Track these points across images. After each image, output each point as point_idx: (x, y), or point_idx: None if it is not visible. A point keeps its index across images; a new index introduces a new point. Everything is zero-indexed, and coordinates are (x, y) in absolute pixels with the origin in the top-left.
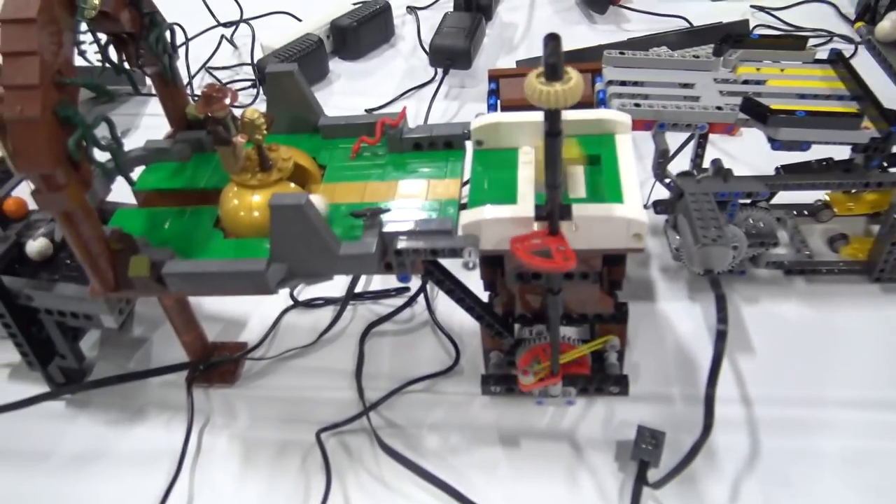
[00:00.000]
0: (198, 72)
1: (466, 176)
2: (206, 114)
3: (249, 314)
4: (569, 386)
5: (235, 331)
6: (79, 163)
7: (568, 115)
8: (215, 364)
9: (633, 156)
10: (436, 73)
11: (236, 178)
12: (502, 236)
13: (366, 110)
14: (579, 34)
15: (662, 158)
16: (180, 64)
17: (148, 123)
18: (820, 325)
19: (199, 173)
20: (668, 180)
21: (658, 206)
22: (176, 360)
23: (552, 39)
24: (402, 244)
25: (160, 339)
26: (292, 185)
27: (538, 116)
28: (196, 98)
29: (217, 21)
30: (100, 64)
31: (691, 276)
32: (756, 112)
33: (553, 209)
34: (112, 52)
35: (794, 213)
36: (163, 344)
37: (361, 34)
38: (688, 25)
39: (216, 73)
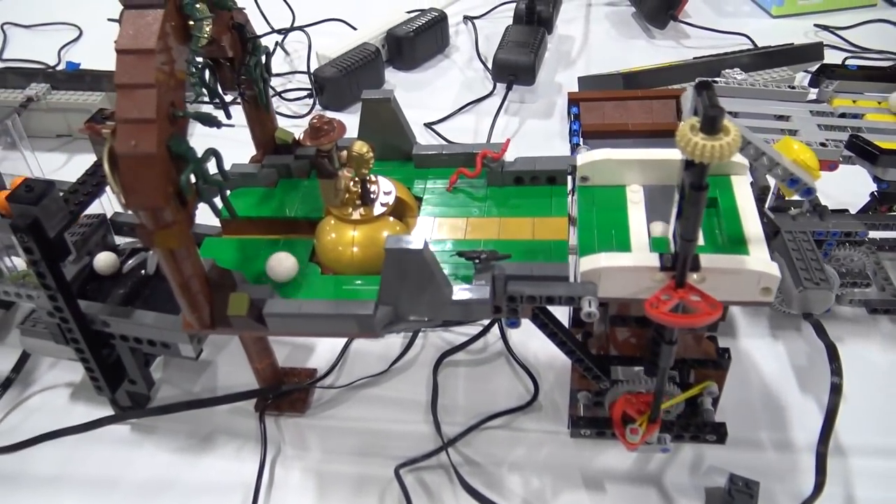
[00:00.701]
0: None
1: None
2: (313, 146)
3: (317, 338)
4: (664, 432)
5: (303, 356)
6: (187, 199)
7: (678, 153)
8: (286, 392)
9: (753, 200)
10: (494, 88)
11: (336, 212)
12: (622, 285)
13: (425, 124)
14: (637, 49)
15: (762, 195)
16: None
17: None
18: None
19: (286, 201)
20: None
21: None
22: (243, 384)
23: (706, 88)
24: (515, 290)
25: (225, 361)
26: (393, 220)
27: (647, 154)
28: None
29: (271, 27)
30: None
31: (772, 311)
32: (864, 150)
33: (685, 262)
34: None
35: (877, 247)
36: (228, 366)
37: (417, 44)
38: (749, 43)
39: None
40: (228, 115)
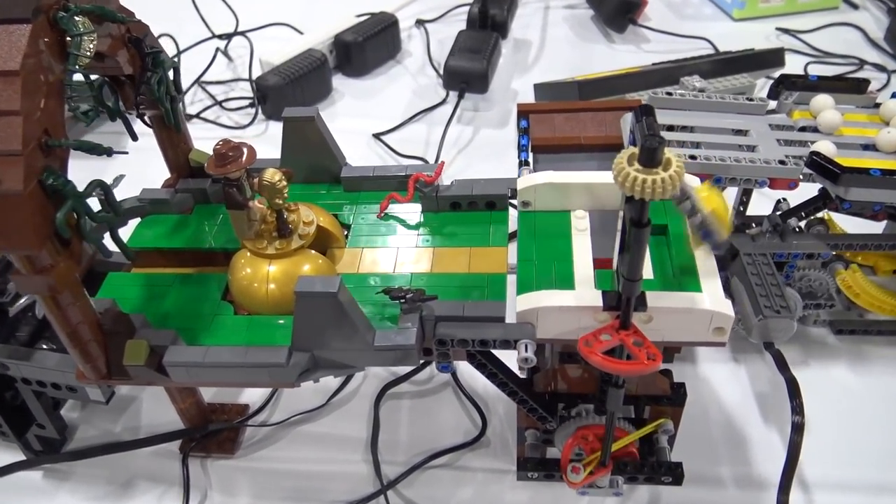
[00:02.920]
0: (190, 86)
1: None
2: (218, 175)
3: None
4: (616, 475)
5: (234, 390)
6: (68, 239)
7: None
8: (213, 432)
9: None
10: (447, 96)
11: (250, 245)
12: (563, 325)
13: (374, 135)
14: (597, 54)
15: None
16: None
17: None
18: (875, 392)
19: (203, 229)
20: None
21: None
22: (168, 423)
23: (646, 114)
24: (445, 332)
25: (150, 396)
26: (313, 252)
27: (594, 177)
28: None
29: (212, 32)
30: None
31: (734, 334)
32: (825, 169)
33: (628, 303)
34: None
35: (842, 266)
36: (152, 402)
37: (367, 50)
38: (710, 47)
39: (210, 87)
40: (134, 137)
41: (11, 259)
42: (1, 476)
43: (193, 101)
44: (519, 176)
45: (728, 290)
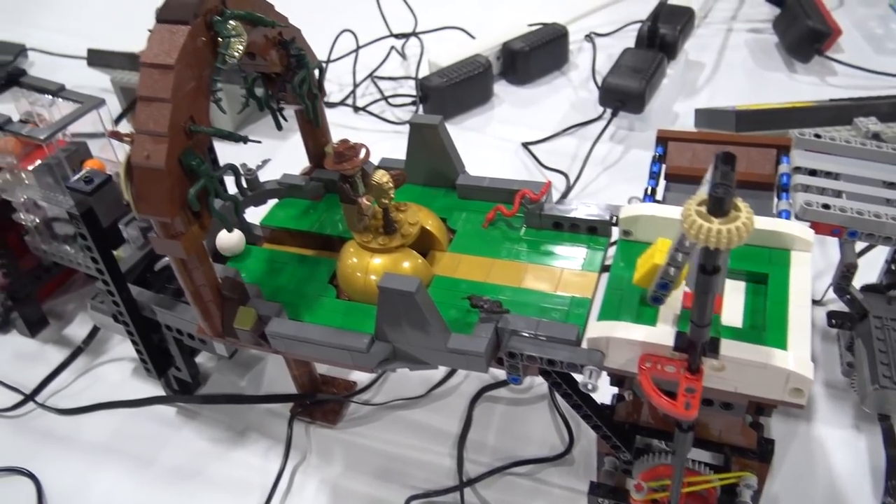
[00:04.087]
0: (364, 80)
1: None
2: (334, 171)
3: None
4: None
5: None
6: (198, 212)
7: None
8: (321, 401)
9: (809, 283)
10: (603, 112)
11: (358, 238)
12: (632, 358)
13: (523, 144)
14: (774, 84)
15: (848, 272)
16: (347, 71)
17: (289, 152)
18: None
19: (328, 217)
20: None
21: (834, 319)
22: (286, 387)
23: (725, 162)
24: (516, 346)
25: (275, 360)
26: (413, 252)
27: None
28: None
29: (389, 31)
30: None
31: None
32: None
33: (696, 349)
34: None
35: None
36: (277, 366)
37: (532, 59)
38: None
39: (381, 83)
40: (279, 127)
41: (151, 223)
42: (143, 405)
43: (364, 94)
44: (628, 204)
45: (851, 351)
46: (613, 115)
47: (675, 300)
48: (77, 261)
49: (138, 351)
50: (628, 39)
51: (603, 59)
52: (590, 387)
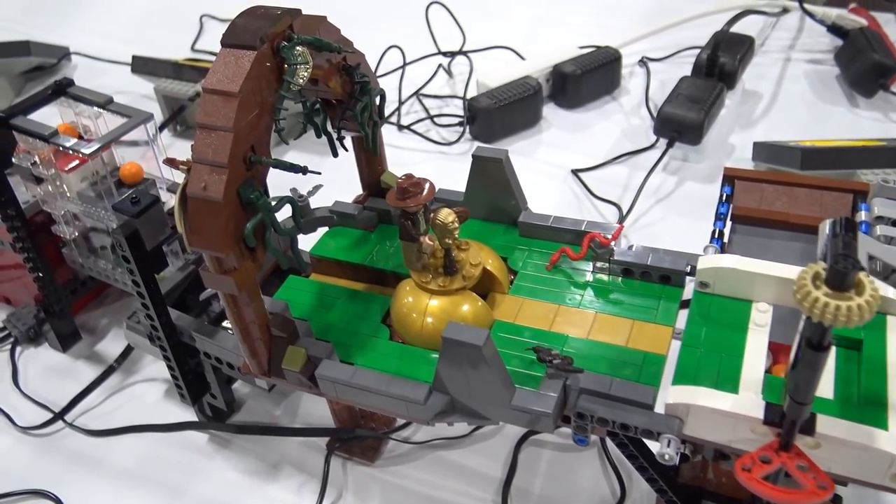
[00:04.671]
0: (409, 97)
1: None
2: (397, 207)
3: None
4: None
5: None
6: (254, 247)
7: None
8: (359, 437)
9: None
10: (657, 141)
11: (416, 277)
12: (715, 428)
13: (572, 171)
14: (835, 118)
15: None
16: (393, 88)
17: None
18: None
19: (381, 250)
20: None
21: None
22: (322, 418)
23: (847, 229)
24: (587, 407)
25: None
26: (474, 295)
27: (786, 272)
28: (395, 125)
29: (438, 49)
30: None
31: None
32: None
33: (793, 425)
34: None
35: None
36: (312, 397)
37: (584, 83)
38: None
39: (426, 101)
40: (335, 154)
41: (203, 256)
42: (175, 430)
43: (409, 112)
44: (704, 252)
45: None
46: (669, 145)
47: (754, 366)
48: (115, 277)
49: (174, 376)
50: (682, 66)
51: (656, 85)
52: (667, 457)
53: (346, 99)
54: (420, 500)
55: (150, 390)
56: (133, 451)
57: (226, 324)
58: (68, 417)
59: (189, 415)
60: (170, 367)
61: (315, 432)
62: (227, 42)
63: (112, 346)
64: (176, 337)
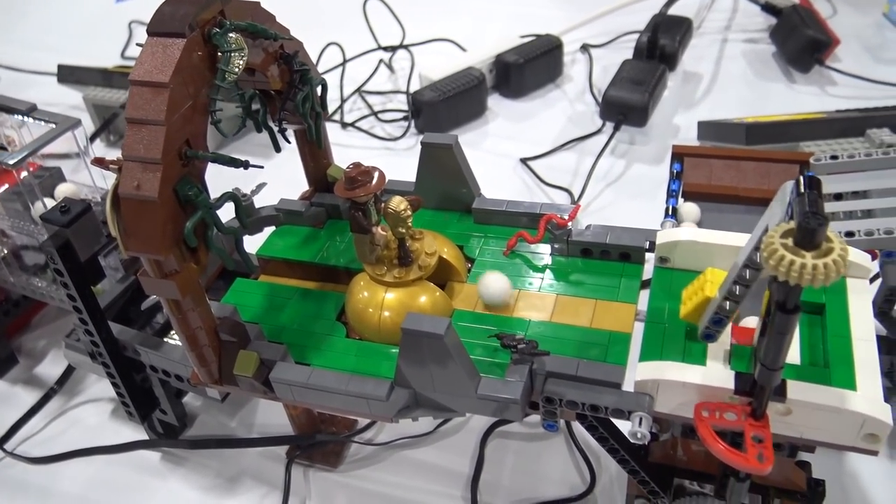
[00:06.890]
0: (351, 94)
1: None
2: (346, 198)
3: None
4: None
5: None
6: (195, 248)
7: None
8: (320, 442)
9: (871, 313)
10: (603, 126)
11: (370, 270)
12: (685, 402)
13: (521, 160)
14: (774, 95)
15: (891, 296)
16: (334, 86)
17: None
18: None
19: (332, 246)
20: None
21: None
22: (279, 426)
23: (811, 187)
24: (554, 391)
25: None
26: (431, 285)
27: (744, 240)
28: (343, 122)
29: (378, 44)
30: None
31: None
32: None
33: (763, 392)
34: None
35: None
36: (270, 403)
37: (527, 72)
38: None
39: (369, 97)
40: (277, 149)
41: (141, 260)
42: (124, 451)
43: (352, 110)
44: (661, 227)
45: (891, 377)
46: (616, 128)
47: (724, 334)
48: (50, 294)
49: (119, 393)
50: (623, 51)
51: (598, 70)
52: (639, 435)
53: (286, 89)
54: (387, 502)
55: (95, 411)
56: (80, 476)
57: (172, 335)
58: (8, 446)
59: (139, 433)
60: (115, 385)
61: (274, 441)
62: (153, 30)
63: (51, 368)
64: (119, 352)
